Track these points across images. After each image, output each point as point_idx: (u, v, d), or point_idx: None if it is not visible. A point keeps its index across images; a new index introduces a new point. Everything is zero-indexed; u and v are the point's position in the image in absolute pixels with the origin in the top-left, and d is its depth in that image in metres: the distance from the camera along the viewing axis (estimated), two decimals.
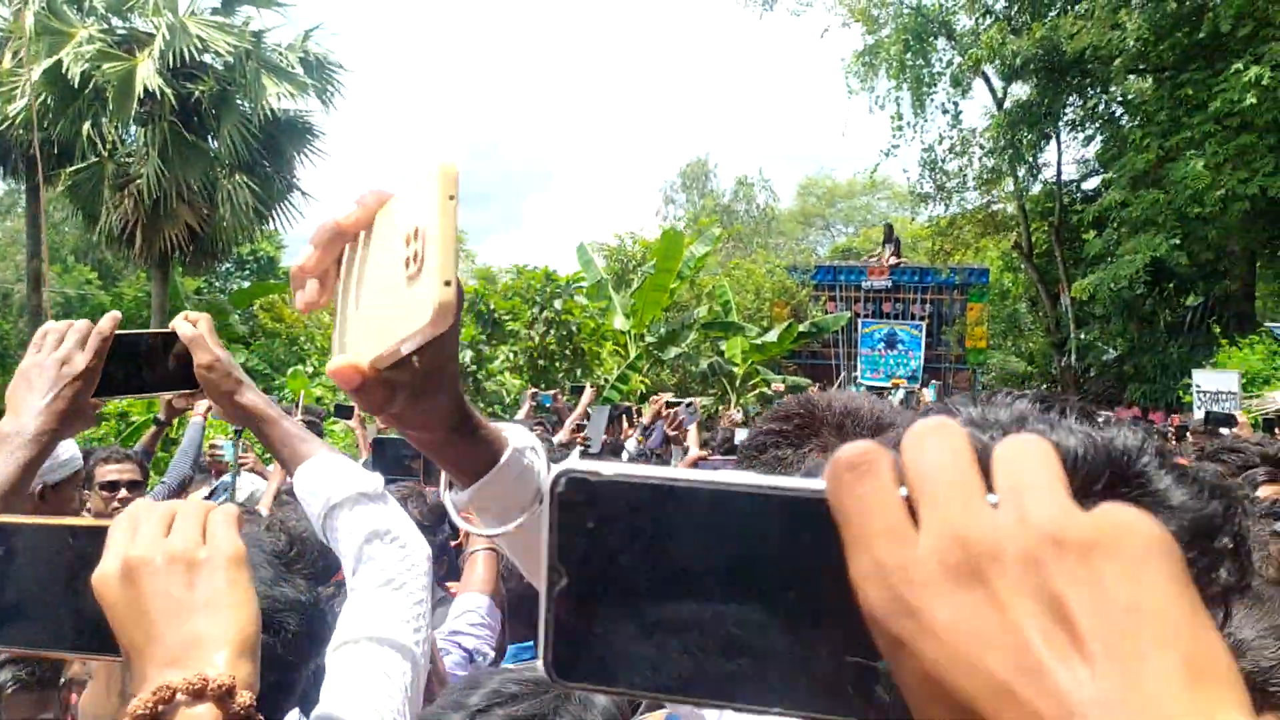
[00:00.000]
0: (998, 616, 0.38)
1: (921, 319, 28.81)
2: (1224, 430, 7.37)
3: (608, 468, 0.48)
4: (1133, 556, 0.38)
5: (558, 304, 18.14)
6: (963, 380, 26.98)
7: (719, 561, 0.46)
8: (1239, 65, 15.58)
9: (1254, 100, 15.31)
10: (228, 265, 33.84)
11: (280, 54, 19.54)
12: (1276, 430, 8.27)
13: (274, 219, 20.45)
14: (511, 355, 17.92)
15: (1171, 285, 21.31)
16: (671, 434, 6.87)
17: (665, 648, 0.46)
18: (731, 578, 0.46)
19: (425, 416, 0.87)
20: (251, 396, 1.54)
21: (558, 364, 18.30)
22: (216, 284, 33.87)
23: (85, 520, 0.90)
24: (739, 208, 48.56)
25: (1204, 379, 12.70)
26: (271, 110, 18.67)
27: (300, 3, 51.48)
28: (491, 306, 18.35)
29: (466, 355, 16.77)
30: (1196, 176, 16.18)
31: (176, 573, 0.82)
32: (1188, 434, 8.07)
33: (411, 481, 3.97)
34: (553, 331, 18.08)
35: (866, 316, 29.06)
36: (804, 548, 0.45)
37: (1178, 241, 17.29)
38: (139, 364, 1.49)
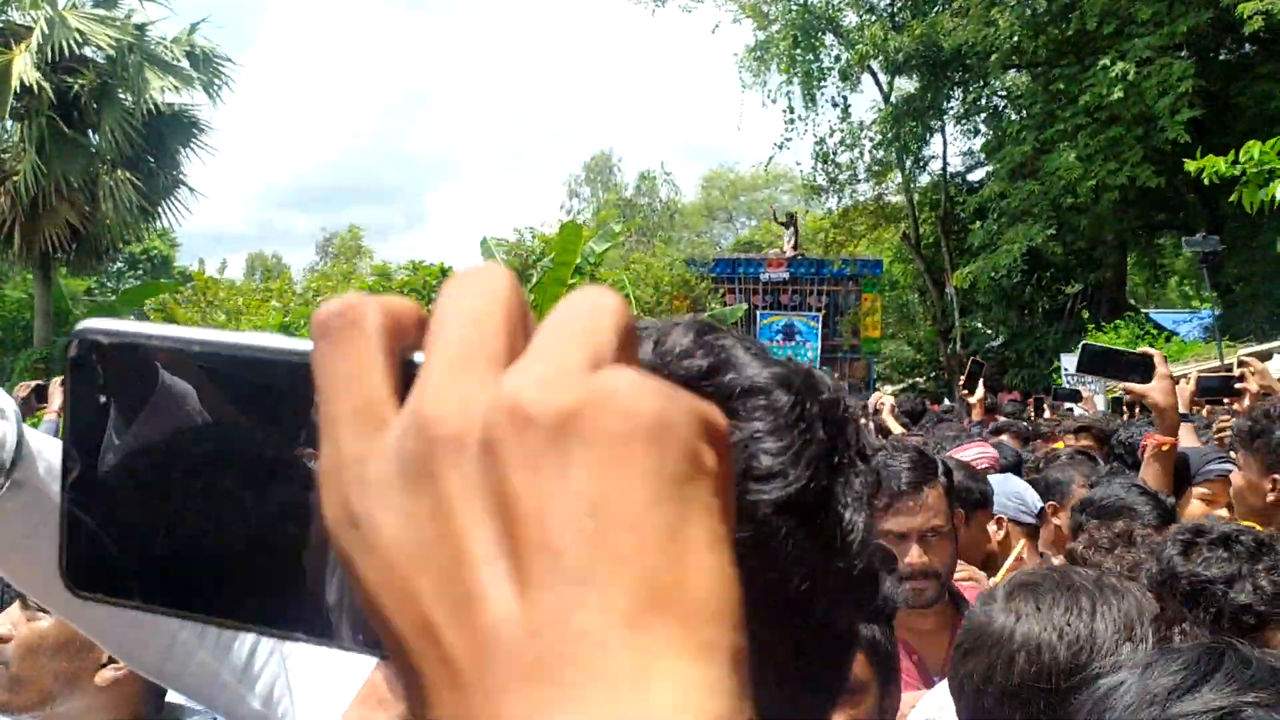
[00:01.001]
0: (440, 527, 0.28)
1: (818, 310, 29.37)
2: (1070, 406, 7.81)
3: (129, 325, 0.38)
4: (613, 438, 0.27)
5: None
6: (859, 369, 27.59)
7: (230, 450, 0.37)
8: (1106, 61, 16.33)
9: (1120, 94, 16.05)
10: (119, 265, 32.88)
11: (165, 47, 19.17)
12: (1126, 409, 8.74)
13: (161, 216, 20.01)
14: None
15: (1049, 273, 22.16)
16: None
17: (179, 554, 0.37)
18: (245, 470, 0.37)
19: None
20: None
21: None
22: (109, 284, 32.91)
23: None
24: (642, 201, 48.82)
25: (1071, 363, 13.31)
26: (156, 104, 18.27)
27: None
28: None
29: None
30: (1069, 168, 16.89)
31: None
32: (1044, 409, 8.51)
33: None
34: None
35: (765, 308, 29.49)
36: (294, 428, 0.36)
37: (1053, 231, 18.04)
38: None
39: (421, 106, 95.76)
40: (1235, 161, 6.10)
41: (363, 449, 0.30)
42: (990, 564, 3.25)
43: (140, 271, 35.43)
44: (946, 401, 16.34)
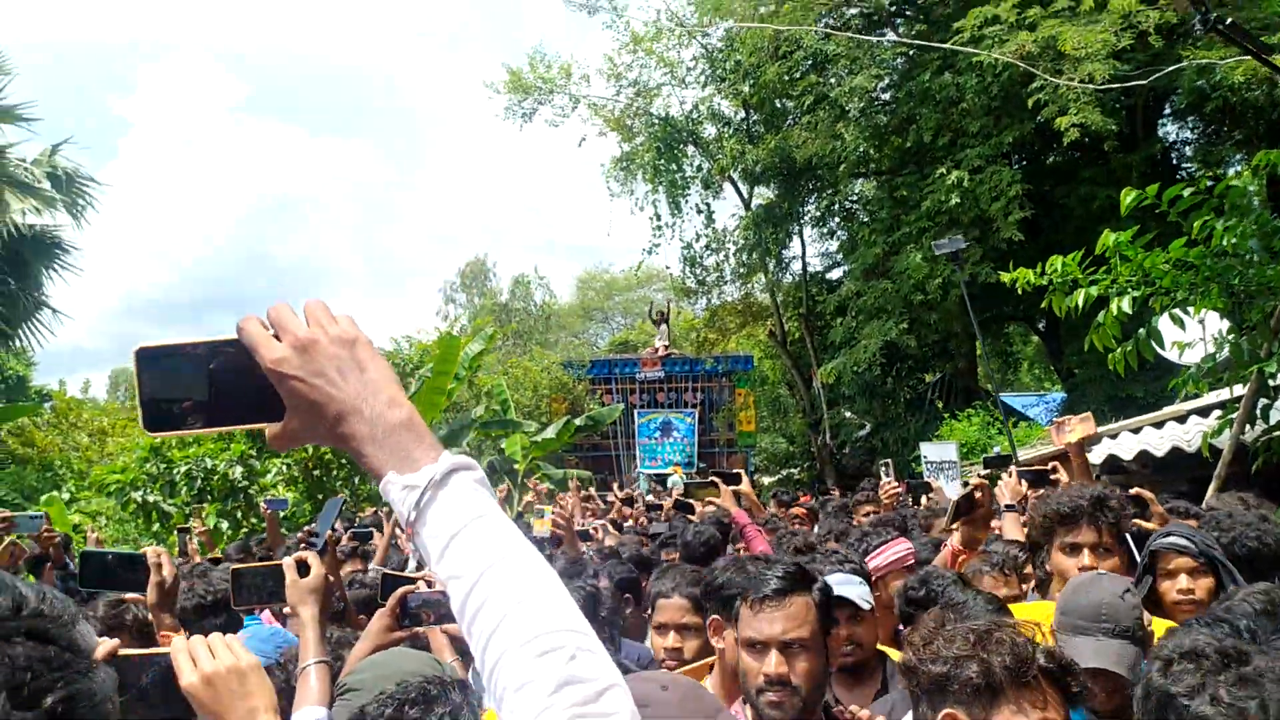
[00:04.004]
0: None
1: (694, 406, 30.15)
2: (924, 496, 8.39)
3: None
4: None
5: None
6: (736, 462, 28.24)
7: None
8: (942, 170, 17.59)
9: (957, 200, 17.28)
10: None
11: (25, 169, 18.90)
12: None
13: (20, 337, 19.49)
14: (285, 468, 17.67)
15: (908, 365, 23.28)
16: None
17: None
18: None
19: None
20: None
21: (335, 472, 18.16)
22: None
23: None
24: (518, 305, 49.30)
25: (929, 450, 14.10)
26: (16, 226, 17.98)
27: (49, 116, 49.18)
28: None
29: (237, 470, 16.48)
30: (916, 268, 18.00)
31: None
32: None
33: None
34: None
35: (642, 407, 30.14)
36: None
37: (906, 326, 19.06)
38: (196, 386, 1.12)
39: (286, 215, 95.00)
40: (1043, 273, 6.85)
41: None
42: None
43: None
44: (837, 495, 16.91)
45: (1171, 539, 3.35)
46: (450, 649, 2.72)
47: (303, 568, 2.59)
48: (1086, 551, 3.34)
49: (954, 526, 4.38)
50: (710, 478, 5.77)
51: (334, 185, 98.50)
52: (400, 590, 2.56)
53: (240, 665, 1.68)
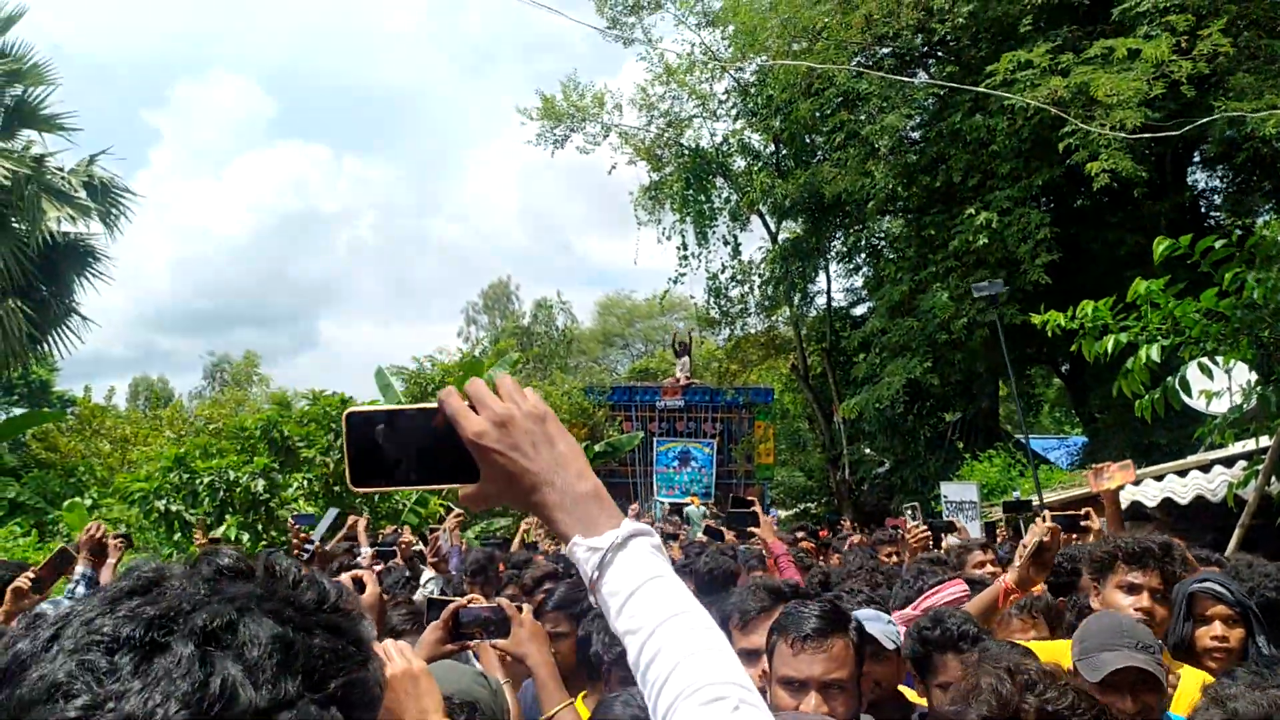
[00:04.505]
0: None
1: (713, 436, 30.18)
2: (947, 536, 8.41)
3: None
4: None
5: None
6: (752, 493, 28.14)
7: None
8: (971, 210, 17.65)
9: (985, 240, 17.34)
10: None
11: (63, 178, 19.22)
12: (998, 529, 9.40)
13: (50, 343, 19.75)
14: (306, 483, 17.79)
15: (929, 404, 23.25)
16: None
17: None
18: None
19: None
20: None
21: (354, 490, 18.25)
22: None
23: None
24: (539, 329, 49.53)
25: (950, 490, 14.11)
26: (51, 234, 18.27)
27: (94, 127, 49.93)
28: (285, 433, 18.27)
29: (259, 484, 16.61)
30: (943, 307, 18.03)
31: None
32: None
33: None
34: None
35: (661, 435, 30.19)
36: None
37: (930, 364, 19.06)
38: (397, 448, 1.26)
39: (309, 232, 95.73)
40: (1073, 317, 6.90)
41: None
42: None
43: (15, 397, 34.20)
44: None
45: (1210, 584, 3.36)
46: (499, 665, 2.78)
47: (359, 585, 2.69)
48: (1146, 594, 3.30)
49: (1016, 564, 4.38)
50: (752, 508, 5.81)
51: (358, 204, 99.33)
52: (453, 604, 2.64)
53: (414, 669, 1.78)
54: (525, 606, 2.77)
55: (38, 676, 0.68)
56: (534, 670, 2.63)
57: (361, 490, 1.30)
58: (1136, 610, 3.25)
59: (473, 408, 1.20)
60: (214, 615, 0.72)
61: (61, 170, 19.37)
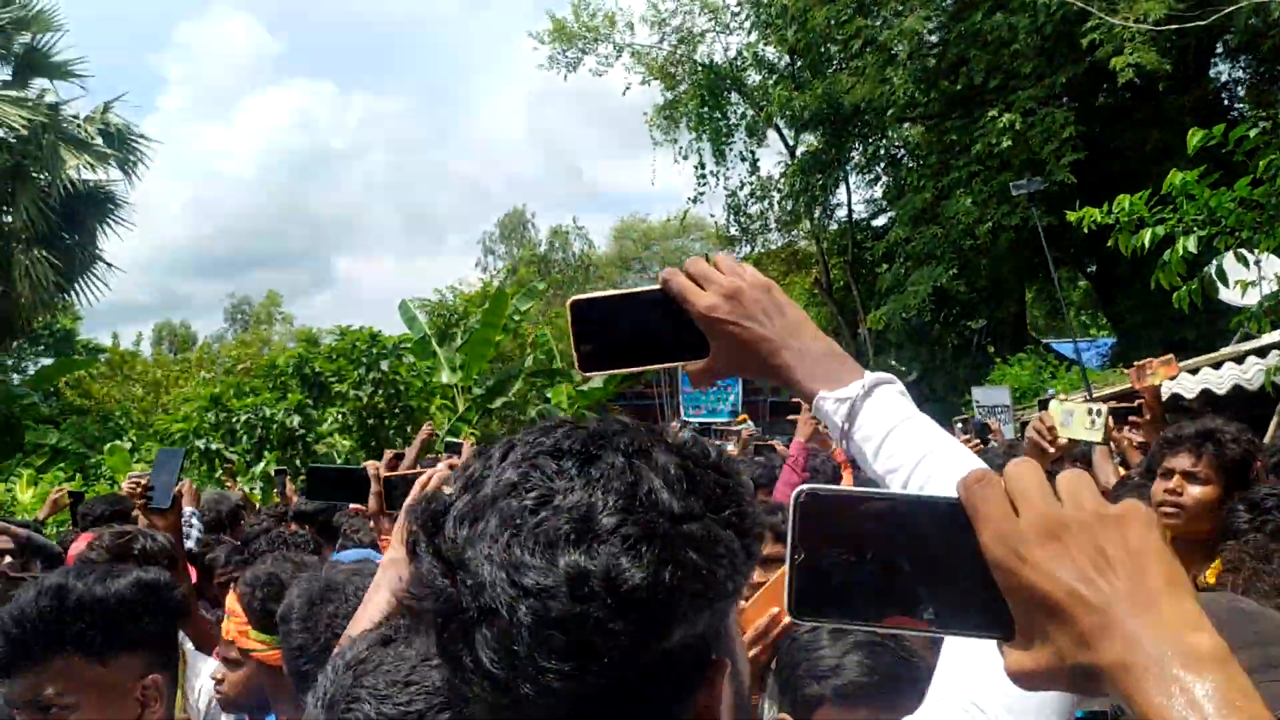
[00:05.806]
0: (1069, 555, 0.69)
1: None
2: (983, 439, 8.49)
3: (825, 489, 0.77)
4: (1139, 523, 0.70)
5: (384, 365, 18.39)
6: (782, 411, 28.26)
7: (901, 538, 0.75)
8: (993, 113, 17.41)
9: (1009, 143, 17.13)
10: (19, 340, 32.04)
11: (79, 126, 19.20)
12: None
13: (76, 291, 19.90)
14: (340, 417, 18.03)
15: (956, 311, 23.18)
16: None
17: (872, 589, 0.75)
18: (911, 547, 0.75)
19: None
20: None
21: (387, 422, 18.50)
22: (9, 361, 31.97)
23: None
24: (556, 256, 49.38)
25: (981, 394, 14.16)
26: (72, 182, 18.32)
27: (100, 73, 49.60)
28: (317, 369, 18.47)
29: (295, 419, 16.85)
30: (966, 212, 17.91)
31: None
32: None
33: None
34: (380, 391, 18.30)
35: None
36: (952, 528, 0.73)
37: (956, 271, 18.98)
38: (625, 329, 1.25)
39: (323, 169, 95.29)
40: (1110, 211, 6.85)
41: (1012, 529, 0.71)
42: None
43: (42, 347, 34.47)
44: None
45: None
46: None
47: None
48: (1177, 476, 3.30)
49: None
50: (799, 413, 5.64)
51: (369, 139, 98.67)
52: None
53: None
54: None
55: (494, 480, 0.80)
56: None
57: (591, 374, 1.30)
58: (1166, 492, 3.28)
59: (697, 285, 1.20)
60: (635, 438, 0.83)
61: (77, 118, 19.36)
